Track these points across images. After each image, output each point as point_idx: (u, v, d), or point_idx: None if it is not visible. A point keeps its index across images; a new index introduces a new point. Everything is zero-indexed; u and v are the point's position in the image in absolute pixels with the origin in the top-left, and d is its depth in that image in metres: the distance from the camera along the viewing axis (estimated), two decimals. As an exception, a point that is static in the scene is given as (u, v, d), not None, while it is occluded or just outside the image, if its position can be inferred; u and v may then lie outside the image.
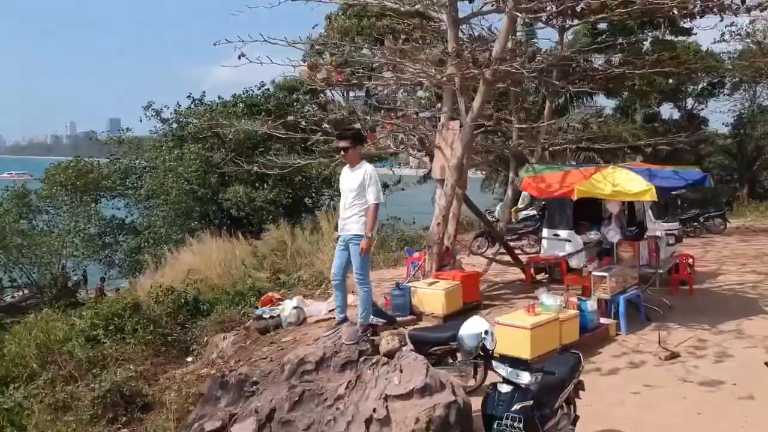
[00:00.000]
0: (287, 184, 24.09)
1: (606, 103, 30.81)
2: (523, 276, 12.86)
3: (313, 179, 24.60)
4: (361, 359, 5.76)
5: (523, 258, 13.83)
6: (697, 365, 8.29)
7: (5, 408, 9.38)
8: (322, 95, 26.68)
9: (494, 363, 5.21)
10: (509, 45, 14.79)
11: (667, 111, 33.79)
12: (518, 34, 16.49)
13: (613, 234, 10.54)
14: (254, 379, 5.99)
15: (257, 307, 11.64)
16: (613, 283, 9.55)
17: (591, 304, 8.98)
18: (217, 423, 5.62)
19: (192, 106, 26.08)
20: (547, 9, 10.55)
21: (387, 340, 6.07)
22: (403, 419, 5.29)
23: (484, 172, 30.33)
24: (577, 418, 6.03)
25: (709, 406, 7.17)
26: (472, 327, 5.36)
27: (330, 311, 11.40)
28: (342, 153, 7.11)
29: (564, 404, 5.83)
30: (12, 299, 24.47)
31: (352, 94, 26.53)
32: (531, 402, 5.12)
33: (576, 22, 17.60)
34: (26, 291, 24.92)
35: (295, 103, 25.85)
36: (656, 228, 12.18)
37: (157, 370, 10.29)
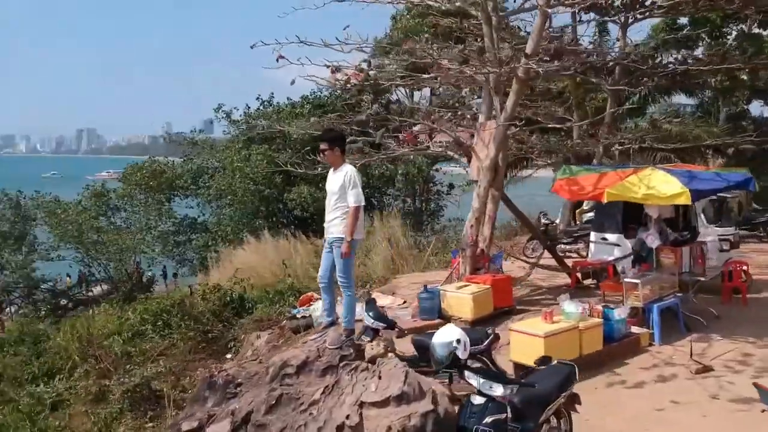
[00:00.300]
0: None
1: (688, 102, 29.39)
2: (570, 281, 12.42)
3: (376, 179, 24.65)
4: (341, 364, 5.68)
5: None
6: (732, 381, 7.75)
7: (47, 399, 9.81)
8: (387, 94, 26.80)
9: (466, 373, 5.01)
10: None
11: (757, 109, 31.82)
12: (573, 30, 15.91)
13: (652, 239, 9.99)
14: (239, 380, 6.01)
15: (295, 307, 11.74)
16: (647, 290, 9.06)
17: (618, 313, 8.54)
18: (194, 423, 5.66)
19: (261, 107, 26.63)
20: (579, 3, 10.08)
21: (371, 346, 5.96)
22: (376, 427, 5.16)
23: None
24: (570, 432, 5.75)
25: (735, 425, 6.69)
26: (443, 336, 5.17)
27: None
28: (322, 155, 7.07)
29: (553, 417, 5.56)
30: (92, 293, 25.66)
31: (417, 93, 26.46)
32: (505, 415, 4.90)
33: (640, 16, 16.89)
34: (105, 286, 26.09)
35: (361, 103, 25.95)
36: (708, 233, 11.48)
37: (189, 366, 10.50)
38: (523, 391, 5.24)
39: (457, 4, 11.38)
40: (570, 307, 8.10)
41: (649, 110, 25.51)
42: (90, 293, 25.73)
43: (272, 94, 27.05)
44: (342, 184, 6.73)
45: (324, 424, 5.16)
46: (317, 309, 11.10)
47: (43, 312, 22.08)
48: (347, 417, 5.14)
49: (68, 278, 26.57)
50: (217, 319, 12.58)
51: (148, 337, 12.24)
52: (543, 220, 16.39)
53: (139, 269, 26.37)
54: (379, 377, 5.36)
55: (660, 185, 8.85)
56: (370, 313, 7.26)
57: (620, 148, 17.43)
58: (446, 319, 10.16)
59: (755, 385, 5.57)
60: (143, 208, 25.88)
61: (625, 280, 9.24)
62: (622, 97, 18.94)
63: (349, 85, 9.92)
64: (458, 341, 5.05)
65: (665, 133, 19.56)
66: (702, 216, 11.70)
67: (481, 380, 4.96)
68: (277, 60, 10.99)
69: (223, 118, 26.57)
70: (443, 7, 11.76)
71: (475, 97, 21.59)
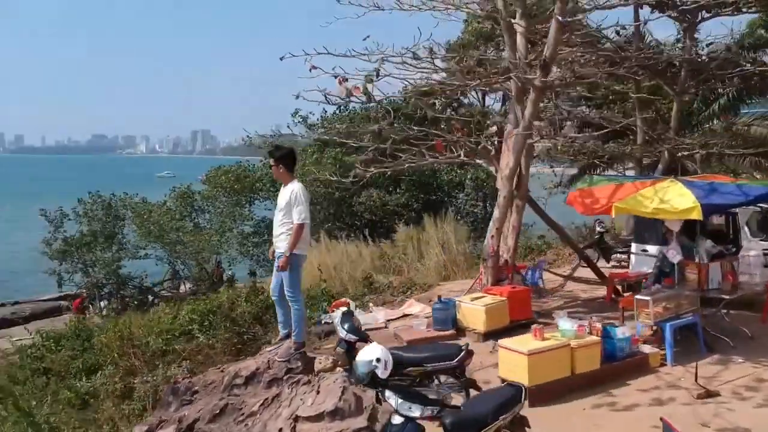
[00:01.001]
0: (420, 189, 24.33)
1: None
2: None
3: (444, 183, 24.61)
4: (285, 377, 5.82)
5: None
6: (734, 408, 7.33)
7: (83, 392, 10.50)
8: (459, 98, 26.71)
9: (386, 393, 5.03)
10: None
11: None
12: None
13: (673, 254, 9.51)
14: (195, 388, 6.27)
15: (326, 312, 11.98)
16: (659, 308, 8.66)
17: (621, 331, 8.24)
18: (145, 427, 5.98)
19: (336, 112, 27.12)
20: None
21: (320, 360, 6.07)
22: (314, 439, 5.29)
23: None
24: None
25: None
26: (365, 354, 5.17)
27: (389, 320, 11.54)
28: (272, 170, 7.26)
29: None
30: (175, 291, 26.99)
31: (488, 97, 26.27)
32: (421, 437, 4.90)
33: (707, 15, 16.07)
34: (188, 285, 27.36)
35: (433, 107, 25.98)
36: (752, 247, 10.80)
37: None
38: (453, 413, 5.20)
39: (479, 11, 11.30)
40: (565, 324, 7.90)
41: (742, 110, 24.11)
42: (174, 291, 27.07)
43: (349, 98, 27.46)
44: (288, 201, 6.90)
45: (256, 436, 5.34)
46: (338, 315, 11.38)
47: (130, 307, 23.42)
48: (280, 430, 5.29)
49: (144, 275, 27.63)
50: (257, 321, 12.98)
51: (194, 337, 12.79)
52: (598, 228, 15.84)
53: (220, 268, 27.44)
54: (317, 392, 5.47)
55: (674, 198, 8.44)
56: (345, 326, 7.38)
57: (685, 153, 16.58)
58: (461, 330, 10.15)
59: (662, 420, 5.28)
60: (225, 210, 26.86)
61: (637, 297, 8.88)
62: (693, 100, 18.07)
63: (351, 99, 9.94)
64: (378, 360, 5.06)
65: (746, 135, 18.54)
66: (746, 229, 11.00)
67: (399, 401, 4.96)
68: (310, 70, 11.26)
69: (299, 122, 27.22)
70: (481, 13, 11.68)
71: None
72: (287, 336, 6.96)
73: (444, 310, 10.05)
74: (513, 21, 10.34)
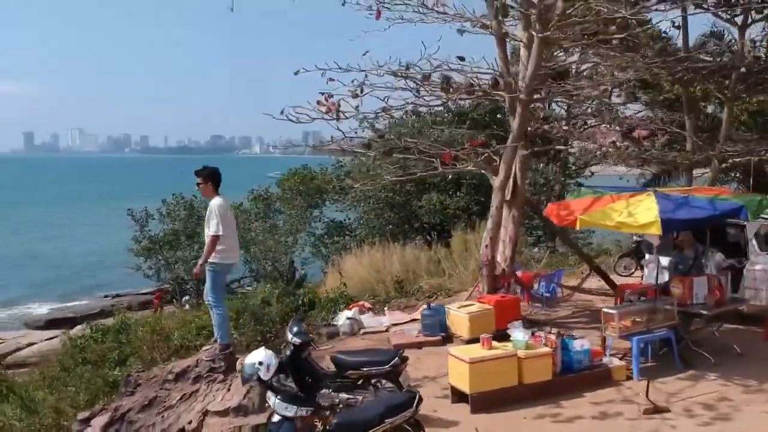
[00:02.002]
0: (479, 192, 24.43)
1: None
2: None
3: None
4: (206, 375, 6.42)
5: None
6: (676, 425, 7.31)
7: (111, 381, 11.57)
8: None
9: (267, 393, 5.55)
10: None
11: None
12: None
13: (653, 267, 9.39)
14: (140, 381, 6.99)
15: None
16: (628, 322, 8.65)
17: (579, 343, 8.31)
18: (86, 414, 6.74)
19: (403, 116, 27.60)
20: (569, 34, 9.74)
21: (241, 361, 6.59)
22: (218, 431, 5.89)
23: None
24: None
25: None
26: (251, 357, 5.68)
27: (394, 324, 11.97)
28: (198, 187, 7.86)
29: None
30: (249, 289, 28.39)
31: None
32: (293, 434, 5.39)
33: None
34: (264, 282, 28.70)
35: (498, 112, 26.01)
36: (759, 261, 10.41)
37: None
38: (341, 415, 5.68)
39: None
40: (517, 334, 8.08)
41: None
42: (249, 288, 28.47)
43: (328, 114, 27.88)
44: (207, 216, 7.51)
45: (168, 426, 5.99)
46: (341, 318, 11.97)
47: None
48: (189, 422, 5.92)
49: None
50: (283, 321, 13.71)
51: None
52: (634, 237, 15.49)
53: (294, 268, 28.62)
54: (228, 389, 6.06)
55: (641, 212, 8.35)
56: (293, 329, 7.89)
57: (738, 159, 15.94)
58: (450, 336, 10.45)
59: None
60: (296, 211, 27.99)
61: (603, 310, 8.89)
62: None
63: (330, 116, 10.30)
64: (260, 363, 5.55)
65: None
66: (754, 242, 10.59)
67: (277, 401, 5.47)
68: (327, 83, 11.82)
69: (367, 127, 27.91)
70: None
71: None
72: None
73: (432, 316, 10.39)
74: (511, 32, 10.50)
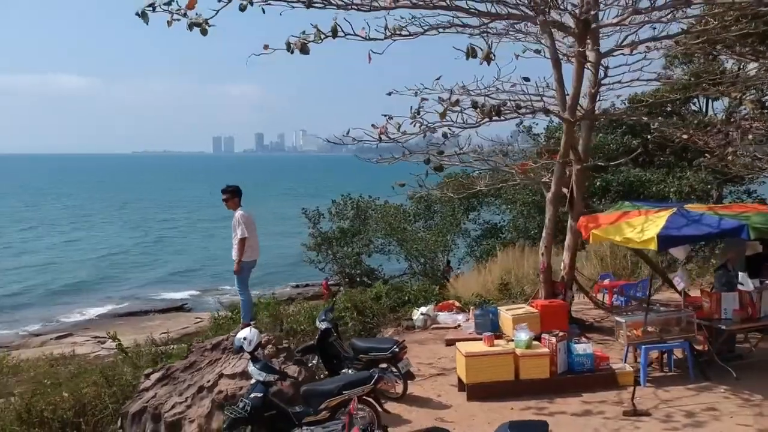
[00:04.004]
0: (626, 198, 24.21)
1: None
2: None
3: (652, 195, 24.12)
4: (229, 347, 8.21)
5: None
6: (640, 427, 7.87)
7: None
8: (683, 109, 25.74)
9: (249, 362, 7.24)
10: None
11: None
12: None
13: (678, 281, 9.55)
14: (193, 349, 8.94)
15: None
16: (638, 331, 9.13)
17: (582, 348, 8.99)
18: (151, 370, 8.80)
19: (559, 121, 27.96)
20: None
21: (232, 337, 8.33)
22: (223, 389, 7.72)
23: None
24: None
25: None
26: (240, 333, 7.34)
27: (466, 321, 13.09)
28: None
29: (366, 408, 7.28)
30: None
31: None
32: (263, 394, 7.00)
33: None
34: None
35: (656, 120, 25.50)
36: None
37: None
38: (309, 385, 7.28)
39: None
40: (520, 335, 8.99)
41: None
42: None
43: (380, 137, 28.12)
44: (233, 224, 9.24)
45: (194, 383, 7.88)
46: (416, 314, 13.37)
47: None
48: (208, 381, 7.78)
49: (380, 268, 31.02)
50: (382, 315, 15.30)
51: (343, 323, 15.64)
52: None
53: (450, 267, 30.15)
54: (240, 359, 7.85)
55: (648, 228, 8.77)
56: (321, 317, 9.42)
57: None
58: (500, 335, 11.43)
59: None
60: (446, 213, 29.56)
61: (616, 318, 9.39)
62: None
63: (382, 139, 11.23)
64: (244, 339, 7.22)
65: None
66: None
67: (253, 368, 7.13)
68: (389, 94, 13.10)
69: (523, 132, 28.60)
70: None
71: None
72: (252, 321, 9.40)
73: (483, 316, 11.42)
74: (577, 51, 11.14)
